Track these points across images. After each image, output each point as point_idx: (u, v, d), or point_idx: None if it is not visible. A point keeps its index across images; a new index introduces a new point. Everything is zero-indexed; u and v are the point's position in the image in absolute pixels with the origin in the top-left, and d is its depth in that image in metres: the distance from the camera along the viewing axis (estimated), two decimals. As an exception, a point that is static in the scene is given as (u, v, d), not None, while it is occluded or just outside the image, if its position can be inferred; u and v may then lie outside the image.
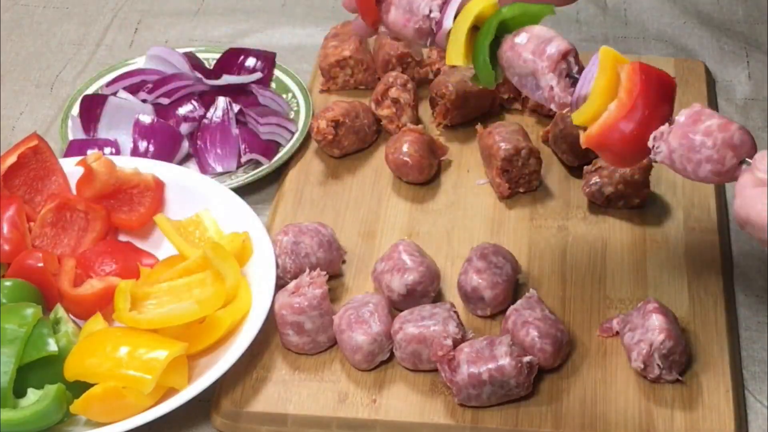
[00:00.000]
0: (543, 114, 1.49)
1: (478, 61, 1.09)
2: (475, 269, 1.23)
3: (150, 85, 1.50)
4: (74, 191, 1.34)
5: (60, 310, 1.21)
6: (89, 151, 1.42)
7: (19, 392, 1.15)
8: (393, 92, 1.46)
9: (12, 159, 1.33)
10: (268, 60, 1.57)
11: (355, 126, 1.44)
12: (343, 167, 1.44)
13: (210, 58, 1.59)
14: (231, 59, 1.57)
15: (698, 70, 1.57)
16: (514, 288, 1.26)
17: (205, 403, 1.19)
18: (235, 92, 1.51)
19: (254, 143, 1.44)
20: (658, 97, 1.02)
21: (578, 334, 1.23)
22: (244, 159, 1.44)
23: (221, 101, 1.47)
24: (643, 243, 1.33)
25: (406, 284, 1.23)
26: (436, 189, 1.41)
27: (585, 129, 1.04)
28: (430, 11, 1.11)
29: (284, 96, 1.53)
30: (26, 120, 1.55)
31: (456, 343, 1.16)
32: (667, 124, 1.01)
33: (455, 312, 1.19)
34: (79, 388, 1.14)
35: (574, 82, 1.06)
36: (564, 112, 1.06)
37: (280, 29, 1.71)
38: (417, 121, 1.47)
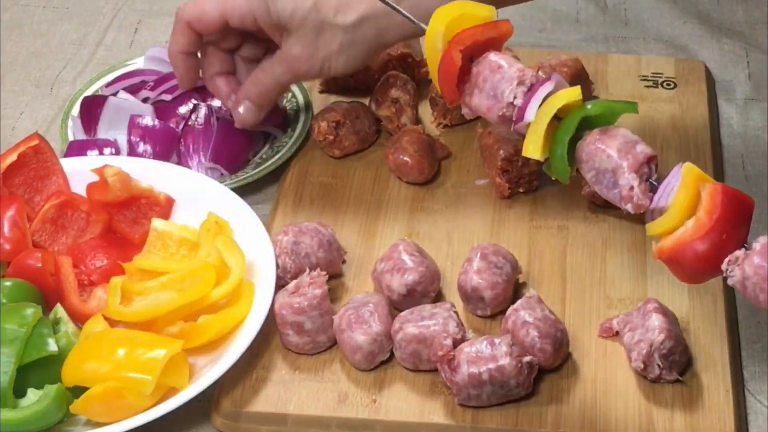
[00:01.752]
0: (543, 114, 1.49)
1: (556, 155, 1.09)
2: (475, 269, 1.23)
3: (151, 83, 1.49)
4: (75, 192, 1.34)
5: (60, 310, 1.21)
6: (89, 152, 1.42)
7: (19, 392, 1.14)
8: (393, 92, 1.46)
9: (12, 158, 1.33)
10: (268, 60, 1.57)
11: (355, 126, 1.44)
12: (343, 167, 1.44)
13: (210, 58, 1.59)
14: (231, 59, 1.57)
15: (698, 70, 1.56)
16: (514, 288, 1.26)
17: (205, 403, 1.19)
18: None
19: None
20: (737, 220, 1.02)
21: (578, 334, 1.23)
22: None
23: (202, 106, 1.46)
24: (643, 243, 1.33)
25: (406, 284, 1.23)
26: (436, 189, 1.41)
27: (657, 240, 1.05)
28: (515, 98, 1.10)
29: (284, 96, 1.53)
30: (26, 120, 1.55)
31: (456, 343, 1.16)
32: (743, 249, 1.02)
33: (455, 312, 1.19)
34: (80, 387, 1.14)
35: (651, 188, 1.06)
36: (637, 212, 1.07)
37: (280, 29, 1.71)
38: (417, 121, 1.47)
